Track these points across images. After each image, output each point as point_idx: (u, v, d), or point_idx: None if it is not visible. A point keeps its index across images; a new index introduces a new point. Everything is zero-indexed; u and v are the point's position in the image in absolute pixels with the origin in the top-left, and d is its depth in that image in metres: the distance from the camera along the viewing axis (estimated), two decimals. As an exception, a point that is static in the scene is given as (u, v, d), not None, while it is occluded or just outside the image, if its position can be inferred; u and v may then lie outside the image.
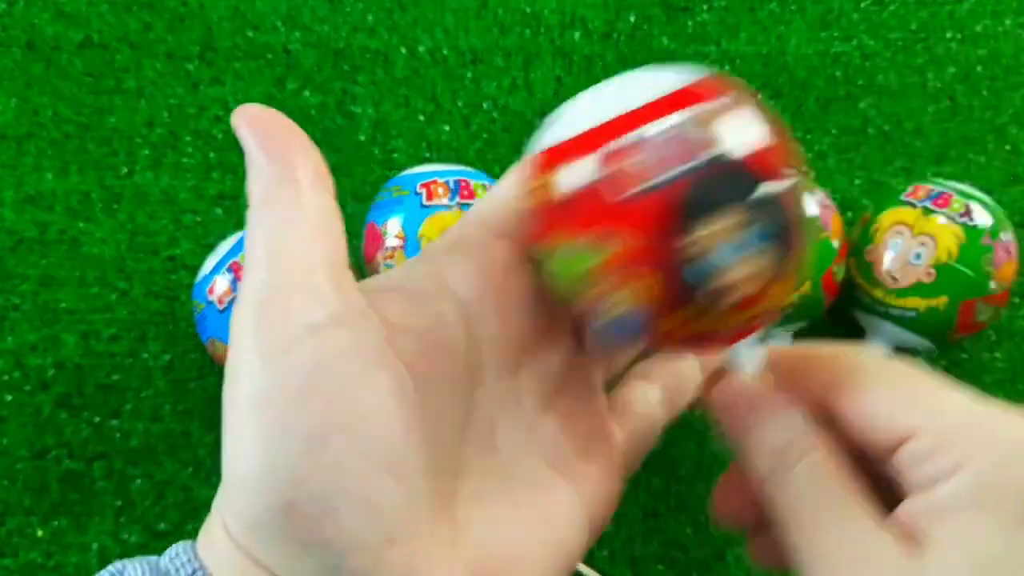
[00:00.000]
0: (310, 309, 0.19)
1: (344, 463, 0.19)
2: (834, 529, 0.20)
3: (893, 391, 0.20)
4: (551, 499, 0.23)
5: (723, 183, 0.19)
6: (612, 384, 0.26)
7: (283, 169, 0.20)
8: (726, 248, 0.19)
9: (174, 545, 0.21)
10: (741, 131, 0.19)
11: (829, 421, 0.21)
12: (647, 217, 0.19)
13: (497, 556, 0.21)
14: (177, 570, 0.20)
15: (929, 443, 0.19)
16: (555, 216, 0.20)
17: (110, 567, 0.21)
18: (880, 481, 0.20)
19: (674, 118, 0.19)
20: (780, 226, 0.19)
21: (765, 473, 0.21)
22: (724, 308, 0.20)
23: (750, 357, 0.22)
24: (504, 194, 0.24)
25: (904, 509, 0.19)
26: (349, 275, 0.20)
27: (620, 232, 0.19)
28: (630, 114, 0.19)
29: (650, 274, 0.19)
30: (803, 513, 0.20)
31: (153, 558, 0.21)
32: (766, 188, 0.19)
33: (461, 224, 0.24)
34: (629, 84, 0.20)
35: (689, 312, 0.19)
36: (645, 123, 0.19)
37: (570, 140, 0.20)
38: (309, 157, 0.21)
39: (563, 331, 0.24)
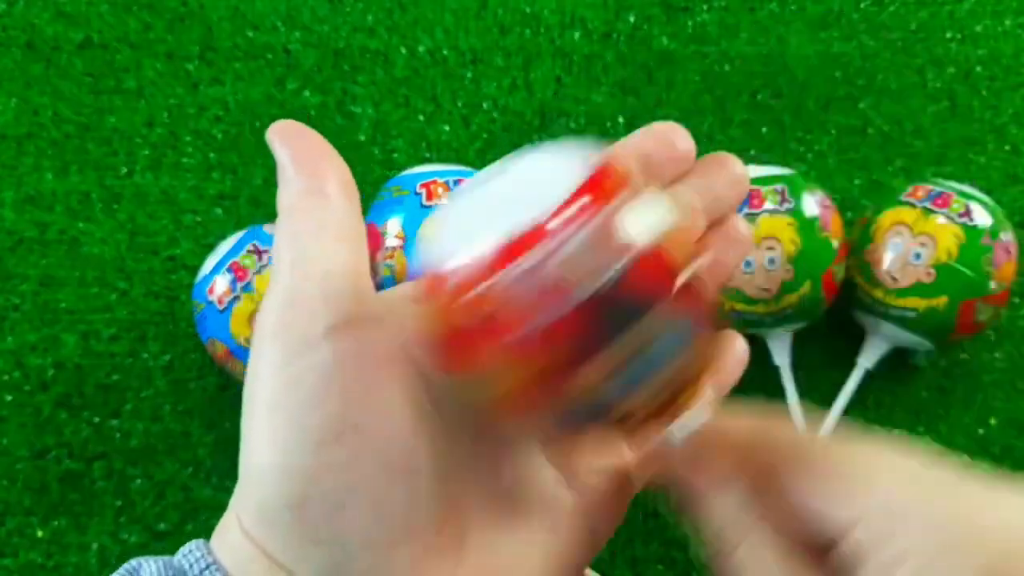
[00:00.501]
0: (329, 314, 0.20)
1: (355, 462, 0.19)
2: None
3: (830, 482, 0.20)
4: (556, 514, 0.23)
5: (602, 320, 0.17)
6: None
7: (311, 179, 0.21)
8: (614, 384, 0.18)
9: (188, 543, 0.21)
10: (632, 235, 0.18)
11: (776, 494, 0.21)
12: (532, 358, 0.18)
13: (498, 567, 0.22)
14: (191, 566, 0.20)
15: (870, 536, 0.19)
16: (459, 344, 0.19)
17: (126, 565, 0.21)
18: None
19: (552, 246, 0.17)
20: (674, 336, 0.18)
21: (711, 555, 0.21)
22: (640, 419, 0.20)
23: (689, 427, 0.22)
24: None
25: None
26: (369, 284, 0.21)
27: (514, 367, 0.18)
28: (512, 242, 0.18)
29: (551, 406, 0.19)
30: None
31: (167, 557, 0.21)
32: (653, 313, 0.18)
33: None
34: (519, 180, 0.19)
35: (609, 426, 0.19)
36: (525, 252, 0.17)
37: (458, 267, 0.18)
38: (336, 169, 0.21)
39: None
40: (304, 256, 0.20)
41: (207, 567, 0.20)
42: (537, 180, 0.19)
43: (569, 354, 0.18)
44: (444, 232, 0.19)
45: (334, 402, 0.19)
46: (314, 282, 0.20)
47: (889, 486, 0.19)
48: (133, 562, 0.21)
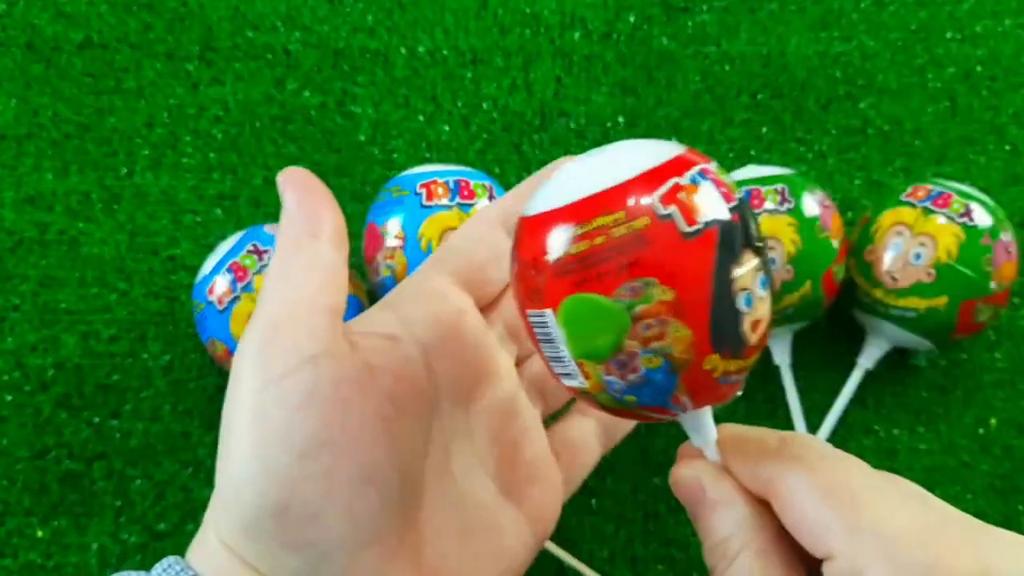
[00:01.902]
0: (310, 343, 0.22)
1: (331, 474, 0.21)
2: None
3: (815, 509, 0.21)
4: (500, 518, 0.26)
5: (743, 229, 0.20)
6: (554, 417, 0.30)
7: (311, 225, 0.24)
8: (750, 290, 0.20)
9: (164, 558, 0.22)
10: (729, 189, 0.21)
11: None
12: (685, 264, 0.19)
13: (452, 568, 0.24)
14: None
15: (844, 568, 0.20)
16: (588, 268, 0.20)
17: None
18: None
19: (694, 173, 0.20)
20: (771, 269, 0.20)
21: (712, 562, 0.23)
22: (745, 351, 0.21)
23: (709, 438, 0.24)
24: (460, 243, 0.27)
25: None
26: (341, 323, 0.24)
27: (661, 281, 0.19)
28: (655, 169, 0.20)
29: (687, 322, 0.20)
30: None
31: (142, 572, 0.23)
32: (759, 236, 0.21)
33: (422, 272, 0.27)
34: (619, 154, 0.21)
35: (718, 358, 0.20)
36: (671, 176, 0.20)
37: (593, 196, 0.20)
38: (334, 218, 0.24)
39: (510, 370, 0.28)
40: (294, 290, 0.23)
41: None
42: (635, 155, 0.21)
43: (715, 262, 0.20)
44: (548, 189, 0.22)
45: (313, 421, 0.21)
46: (300, 315, 0.23)
47: (866, 521, 0.20)
48: None
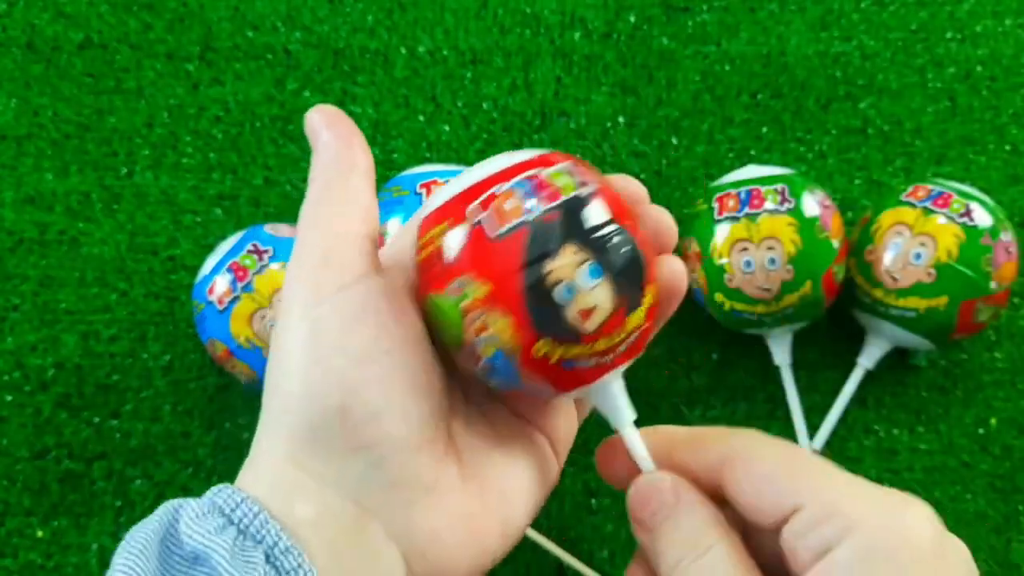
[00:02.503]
0: (361, 263, 0.24)
1: (387, 378, 0.23)
2: None
3: (779, 466, 0.22)
4: (523, 437, 0.27)
5: (562, 226, 0.22)
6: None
7: (347, 159, 0.25)
8: (570, 281, 0.22)
9: (213, 487, 0.23)
10: (576, 184, 0.23)
11: (720, 500, 0.24)
12: (495, 261, 0.22)
13: (492, 472, 0.25)
14: (225, 501, 0.23)
15: (816, 513, 0.21)
16: (429, 271, 0.23)
17: (163, 505, 0.23)
18: (765, 558, 0.23)
19: (517, 180, 0.23)
20: (618, 261, 0.22)
21: (675, 556, 0.23)
22: (579, 337, 0.22)
23: (638, 443, 0.25)
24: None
25: None
26: (378, 252, 0.25)
27: (475, 277, 0.22)
28: (485, 180, 0.23)
29: (505, 312, 0.22)
30: None
31: (192, 499, 0.23)
32: (603, 229, 0.22)
33: (409, 227, 0.28)
34: (491, 161, 0.24)
35: (548, 344, 0.22)
36: (494, 185, 0.23)
37: (438, 208, 0.24)
38: (365, 150, 0.25)
39: None
40: (336, 221, 0.24)
41: (242, 501, 0.22)
42: (502, 161, 0.24)
43: (523, 260, 0.22)
44: (435, 195, 0.25)
45: (369, 329, 0.23)
46: (349, 241, 0.24)
47: (828, 475, 0.21)
48: (170, 503, 0.23)
